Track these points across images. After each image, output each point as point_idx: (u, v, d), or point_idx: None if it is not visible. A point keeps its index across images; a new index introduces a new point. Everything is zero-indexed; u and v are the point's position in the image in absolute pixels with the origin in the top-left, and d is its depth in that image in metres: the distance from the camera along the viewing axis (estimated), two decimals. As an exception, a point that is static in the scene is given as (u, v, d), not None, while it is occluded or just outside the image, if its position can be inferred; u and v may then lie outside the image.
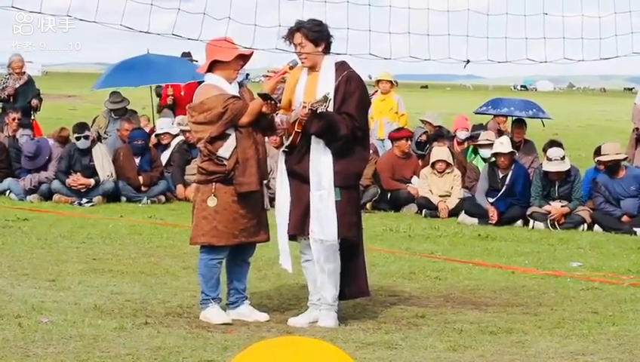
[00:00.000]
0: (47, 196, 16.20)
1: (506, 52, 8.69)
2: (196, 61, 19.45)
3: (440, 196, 15.82)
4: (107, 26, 7.79)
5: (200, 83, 8.77)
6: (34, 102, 18.91)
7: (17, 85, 18.87)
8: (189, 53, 20.46)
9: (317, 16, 8.31)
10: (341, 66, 8.25)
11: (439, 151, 16.30)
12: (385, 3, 8.66)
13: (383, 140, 18.65)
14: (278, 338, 4.85)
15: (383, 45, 8.52)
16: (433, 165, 16.08)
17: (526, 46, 8.78)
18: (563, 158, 14.90)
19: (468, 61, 8.51)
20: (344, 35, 8.36)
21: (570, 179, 14.96)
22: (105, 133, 18.65)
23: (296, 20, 8.25)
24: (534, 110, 19.98)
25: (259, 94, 8.18)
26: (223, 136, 8.15)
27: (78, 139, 16.22)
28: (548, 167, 14.88)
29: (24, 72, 19.20)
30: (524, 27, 8.84)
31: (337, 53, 8.29)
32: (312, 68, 8.26)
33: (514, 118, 19.07)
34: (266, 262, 10.20)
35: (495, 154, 15.29)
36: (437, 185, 15.96)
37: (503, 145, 15.29)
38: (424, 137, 18.08)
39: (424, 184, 16.06)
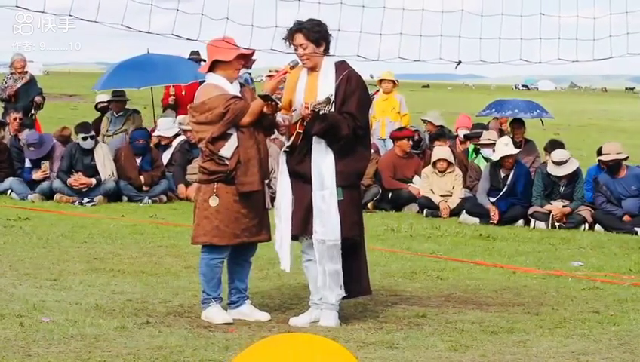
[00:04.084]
0: (49, 195, 16.21)
1: (499, 52, 8.67)
2: (204, 61, 19.37)
3: (441, 196, 15.82)
4: (108, 25, 7.79)
5: (201, 83, 8.76)
6: (37, 98, 18.94)
7: (19, 85, 18.90)
8: (198, 52, 20.37)
9: (311, 17, 8.30)
10: (341, 66, 8.25)
11: (440, 151, 16.28)
12: (379, 4, 8.66)
13: (384, 140, 18.66)
14: (283, 335, 4.84)
15: (375, 46, 8.52)
16: (434, 164, 16.07)
17: (520, 46, 8.77)
18: (568, 160, 14.87)
19: (459, 62, 8.49)
20: (335, 36, 8.35)
21: (574, 179, 14.93)
22: (107, 131, 18.66)
23: (296, 21, 8.23)
24: (538, 111, 19.96)
25: (259, 95, 8.18)
26: (224, 136, 8.15)
27: (84, 139, 16.23)
28: (555, 170, 14.80)
29: (26, 72, 19.22)
30: (519, 27, 8.84)
31: (328, 55, 8.26)
32: (313, 68, 8.26)
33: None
34: (268, 262, 10.20)
35: (502, 158, 15.17)
36: (438, 184, 15.95)
37: (508, 146, 15.23)
38: (416, 135, 18.04)
39: (425, 184, 16.05)
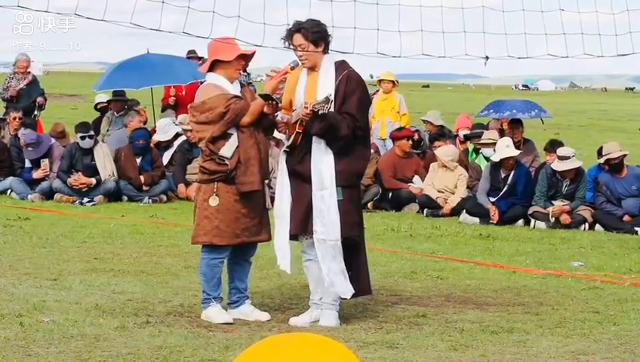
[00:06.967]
0: (49, 195, 16.21)
1: (526, 48, 8.63)
2: (201, 58, 19.37)
3: (439, 191, 15.80)
4: (117, 24, 7.78)
5: (201, 82, 8.77)
6: (39, 99, 18.95)
7: (21, 85, 18.91)
8: (194, 51, 20.40)
9: (324, 15, 8.33)
10: (341, 66, 8.25)
11: (449, 150, 16.29)
12: (394, 2, 8.65)
13: (384, 140, 18.67)
14: (286, 334, 4.84)
15: (392, 44, 8.51)
16: (442, 163, 16.04)
17: (546, 42, 8.74)
18: (572, 156, 14.89)
19: (487, 57, 8.47)
20: (351, 34, 8.36)
21: (577, 179, 14.91)
22: (107, 131, 18.67)
23: (295, 21, 8.24)
24: (536, 110, 19.92)
25: (260, 95, 8.19)
26: (224, 136, 8.16)
27: (83, 138, 16.24)
28: (559, 166, 14.80)
29: (29, 72, 19.23)
30: (542, 23, 8.81)
31: (344, 52, 8.28)
32: (312, 68, 8.26)
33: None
34: (268, 262, 10.19)
35: (503, 159, 15.16)
36: (442, 180, 15.93)
37: (510, 148, 15.23)
38: (416, 135, 18.05)
39: (430, 176, 16.05)
